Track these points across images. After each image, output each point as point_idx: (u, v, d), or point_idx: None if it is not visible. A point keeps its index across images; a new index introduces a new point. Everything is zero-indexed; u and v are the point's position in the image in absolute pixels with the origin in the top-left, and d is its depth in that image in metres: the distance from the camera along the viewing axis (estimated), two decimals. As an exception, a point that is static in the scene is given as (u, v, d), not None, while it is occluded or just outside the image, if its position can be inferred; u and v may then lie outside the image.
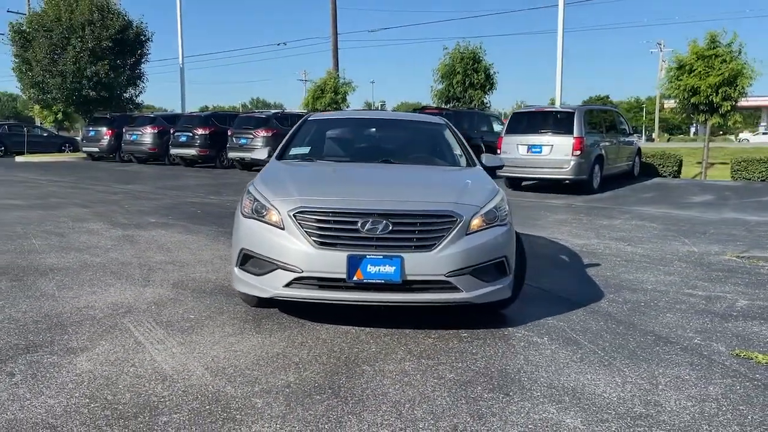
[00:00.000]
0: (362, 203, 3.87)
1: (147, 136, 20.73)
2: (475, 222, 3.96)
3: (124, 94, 25.67)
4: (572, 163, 12.47)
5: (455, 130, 5.85)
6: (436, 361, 3.62)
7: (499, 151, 13.84)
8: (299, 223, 3.80)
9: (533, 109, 14.01)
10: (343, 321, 4.22)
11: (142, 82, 26.27)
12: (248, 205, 4.12)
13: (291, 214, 3.83)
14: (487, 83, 20.58)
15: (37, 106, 27.23)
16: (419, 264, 3.75)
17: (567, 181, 12.94)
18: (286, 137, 5.55)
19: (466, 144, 5.52)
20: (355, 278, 3.72)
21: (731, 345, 3.98)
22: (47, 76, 23.66)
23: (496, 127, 17.51)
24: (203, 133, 19.51)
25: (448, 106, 19.82)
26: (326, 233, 3.77)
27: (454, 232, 3.83)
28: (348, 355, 3.67)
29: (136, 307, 4.51)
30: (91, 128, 22.16)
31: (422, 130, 5.93)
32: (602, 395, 3.18)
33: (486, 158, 5.34)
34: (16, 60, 24.46)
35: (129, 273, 5.46)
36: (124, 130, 21.07)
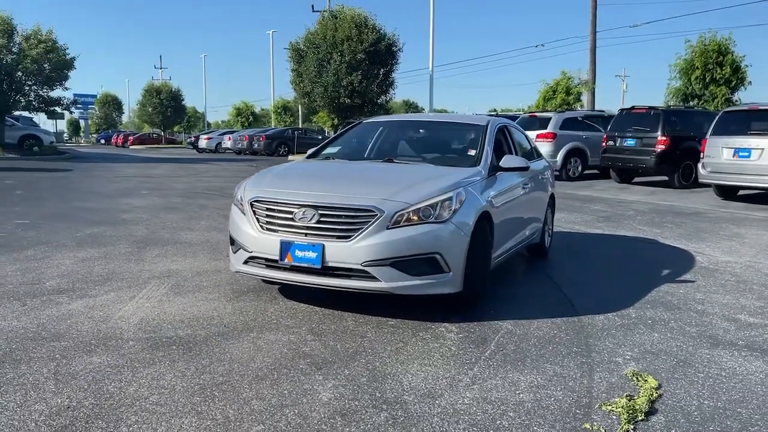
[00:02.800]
0: (301, 196, 4.42)
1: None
2: (403, 217, 4.21)
3: (377, 101, 28.35)
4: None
5: (501, 132, 5.92)
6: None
7: (702, 155, 12.48)
8: (253, 211, 4.52)
9: (746, 108, 12.27)
10: (314, 301, 4.79)
11: (393, 89, 28.72)
12: (236, 195, 4.97)
13: (249, 202, 4.57)
14: (735, 78, 18.16)
15: (322, 113, 31.44)
16: (338, 252, 4.18)
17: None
18: (331, 137, 6.24)
19: (493, 145, 5.49)
20: (286, 261, 4.31)
21: None
22: (314, 86, 27.41)
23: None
24: None
25: (681, 105, 17.99)
26: (269, 220, 4.43)
27: (373, 225, 4.15)
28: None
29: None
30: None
31: (453, 131, 6.10)
32: None
33: (506, 160, 5.35)
34: (292, 73, 28.79)
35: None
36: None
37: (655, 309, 4.88)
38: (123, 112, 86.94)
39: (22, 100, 25.80)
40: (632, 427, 2.78)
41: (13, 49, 25.03)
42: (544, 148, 16.43)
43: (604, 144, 15.69)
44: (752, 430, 2.83)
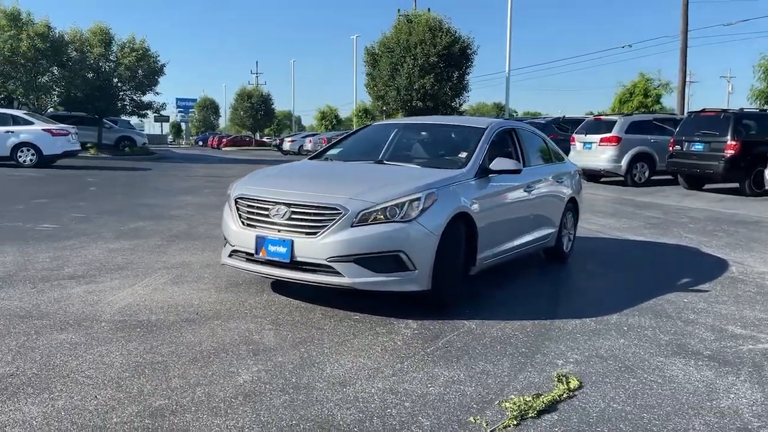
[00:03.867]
0: (278, 194, 4.68)
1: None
2: (368, 216, 4.38)
3: (451, 104, 28.35)
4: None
5: (506, 135, 6.00)
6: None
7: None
8: (237, 207, 4.84)
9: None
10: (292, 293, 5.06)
11: (466, 92, 28.64)
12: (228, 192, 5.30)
13: (234, 199, 4.89)
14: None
15: (400, 115, 31.91)
16: (305, 248, 4.41)
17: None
18: (340, 138, 6.48)
19: (488, 148, 5.53)
20: (260, 255, 4.59)
21: None
22: (387, 90, 27.80)
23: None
24: None
25: (763, 108, 16.93)
26: (249, 216, 4.73)
27: (338, 223, 4.35)
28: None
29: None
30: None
31: (453, 134, 6.16)
32: None
33: (496, 162, 5.40)
34: (367, 77, 29.32)
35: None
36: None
37: (643, 316, 4.80)
38: (220, 116, 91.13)
39: (118, 105, 27.74)
40: (515, 423, 2.83)
41: (111, 58, 27.02)
42: (608, 152, 15.99)
43: (670, 149, 15.07)
44: (635, 429, 2.81)
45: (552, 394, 3.16)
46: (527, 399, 3.06)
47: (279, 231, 4.52)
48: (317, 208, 4.45)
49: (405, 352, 3.79)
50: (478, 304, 4.98)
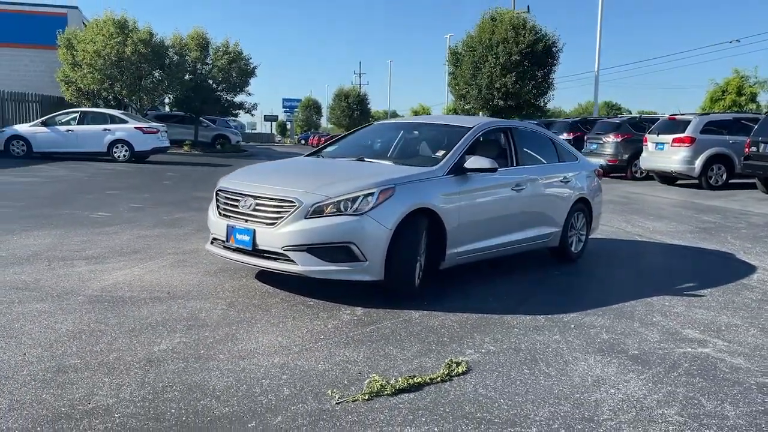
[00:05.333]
0: (248, 187, 5.09)
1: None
2: (322, 209, 4.71)
3: (535, 103, 27.90)
4: None
5: (497, 135, 6.17)
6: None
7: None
8: (216, 198, 5.32)
9: None
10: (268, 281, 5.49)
11: (551, 90, 28.04)
12: None
13: (215, 191, 5.37)
14: None
15: (483, 114, 31.87)
16: (265, 237, 4.81)
17: None
18: (341, 135, 6.82)
19: (466, 148, 5.69)
20: (230, 242, 5.04)
21: None
22: (468, 89, 27.79)
23: None
24: (614, 140, 18.02)
25: None
26: (225, 207, 5.18)
27: (293, 214, 4.71)
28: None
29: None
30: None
31: (440, 133, 6.32)
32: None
33: (471, 161, 5.55)
34: (449, 76, 29.40)
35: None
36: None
37: (603, 316, 4.82)
38: (322, 115, 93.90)
39: (212, 105, 29.51)
40: (366, 398, 3.06)
41: (207, 61, 28.84)
42: (680, 153, 15.30)
43: (746, 150, 14.19)
44: (479, 411, 2.95)
45: (426, 376, 3.35)
46: (396, 379, 3.27)
47: (246, 221, 4.93)
48: (276, 200, 4.83)
49: (327, 334, 4.07)
50: (444, 296, 5.16)
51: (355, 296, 4.93)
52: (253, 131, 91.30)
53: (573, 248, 7.03)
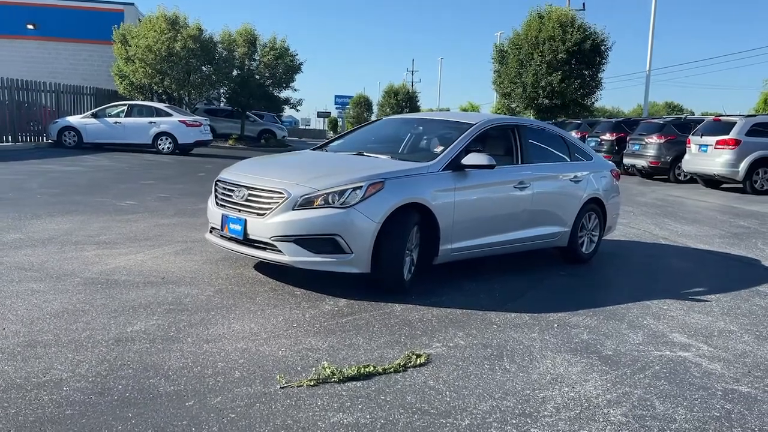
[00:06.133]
0: (244, 178, 5.22)
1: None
2: (309, 201, 4.79)
3: (582, 102, 27.36)
4: None
5: (502, 131, 6.18)
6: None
7: None
8: (215, 189, 5.48)
9: None
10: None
11: (599, 90, 27.44)
12: None
13: (215, 182, 5.53)
14: None
15: (529, 113, 31.49)
16: (255, 227, 4.93)
17: None
18: (350, 130, 6.90)
19: (466, 144, 5.68)
20: (224, 231, 5.19)
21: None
22: (513, 87, 27.46)
23: None
24: (657, 142, 17.37)
25: None
26: (222, 197, 5.33)
27: (281, 205, 4.81)
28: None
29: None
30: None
31: (443, 129, 6.30)
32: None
33: (469, 157, 5.54)
34: (494, 74, 29.12)
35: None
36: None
37: (592, 317, 4.77)
38: (372, 112, 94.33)
39: (258, 100, 30.02)
40: (312, 383, 3.12)
41: (255, 56, 29.39)
42: (724, 156, 14.78)
43: (792, 153, 13.59)
44: (419, 402, 2.97)
45: (380, 366, 3.38)
46: (347, 368, 3.32)
47: (240, 211, 5.06)
48: (267, 191, 4.93)
49: (301, 323, 4.15)
50: (435, 291, 5.17)
51: (345, 288, 5.00)
52: (306, 127, 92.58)
53: (584, 249, 6.91)
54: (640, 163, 17.99)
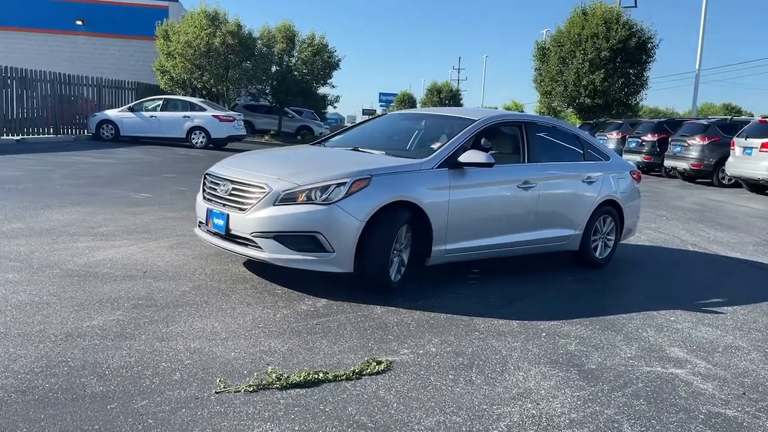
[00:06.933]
0: (230, 171, 5.08)
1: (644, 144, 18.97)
2: (291, 196, 4.62)
3: (625, 101, 26.49)
4: None
5: (509, 128, 5.96)
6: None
7: None
8: (204, 182, 5.36)
9: None
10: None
11: (644, 89, 26.52)
12: None
13: (204, 175, 5.41)
14: None
15: (571, 116, 30.77)
16: (236, 222, 4.79)
17: None
18: (353, 125, 6.72)
19: (462, 141, 5.43)
20: (209, 226, 5.07)
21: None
22: (554, 85, 26.79)
23: None
24: (700, 143, 16.61)
25: None
26: (208, 191, 5.21)
27: (262, 200, 4.65)
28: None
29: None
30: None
31: (444, 125, 6.04)
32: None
33: (466, 155, 5.29)
34: (535, 72, 28.46)
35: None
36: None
37: (588, 327, 4.48)
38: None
39: (296, 97, 30.12)
40: (250, 389, 2.94)
41: (293, 53, 29.49)
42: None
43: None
44: (359, 414, 2.76)
45: (332, 373, 3.18)
46: (297, 373, 3.12)
47: (223, 205, 4.92)
48: (249, 185, 4.78)
49: (268, 323, 3.98)
50: (426, 293, 4.95)
51: (330, 288, 4.82)
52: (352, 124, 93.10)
53: (597, 253, 6.57)
54: (682, 165, 17.25)
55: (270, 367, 3.17)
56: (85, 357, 3.21)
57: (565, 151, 6.45)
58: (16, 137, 17.97)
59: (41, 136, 19.39)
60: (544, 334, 4.21)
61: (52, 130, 20.14)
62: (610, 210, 6.61)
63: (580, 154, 6.55)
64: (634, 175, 7.09)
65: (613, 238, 6.71)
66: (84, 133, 21.18)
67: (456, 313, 4.52)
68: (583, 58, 25.33)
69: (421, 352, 3.67)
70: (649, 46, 26.00)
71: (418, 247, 5.14)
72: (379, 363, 3.36)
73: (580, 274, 6.15)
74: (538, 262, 6.40)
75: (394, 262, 4.88)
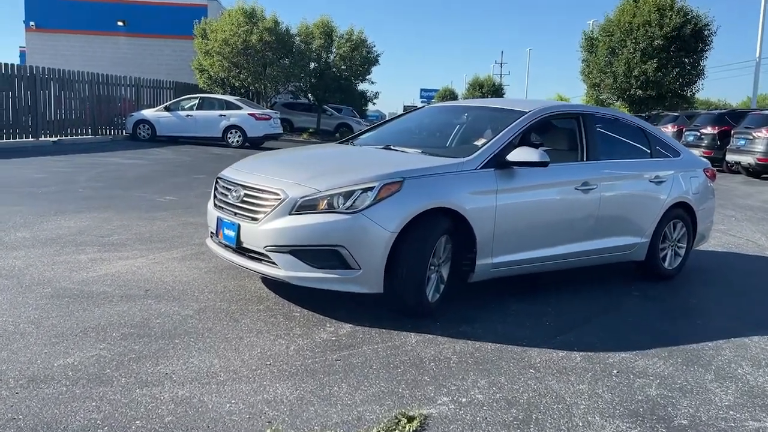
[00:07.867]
0: (242, 175, 4.43)
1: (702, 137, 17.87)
2: (309, 204, 3.93)
3: (680, 92, 25.08)
4: None
5: (563, 121, 5.22)
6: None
7: None
8: (215, 187, 4.73)
9: None
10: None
11: (701, 79, 25.04)
12: None
13: (216, 179, 4.78)
14: None
15: (621, 106, 29.44)
16: (248, 233, 4.13)
17: None
18: (384, 120, 6.01)
19: (510, 137, 4.68)
20: (219, 237, 4.43)
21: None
22: (603, 77, 25.55)
23: None
24: (766, 136, 15.48)
25: None
26: (219, 197, 4.58)
27: (277, 209, 3.97)
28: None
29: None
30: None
31: (491, 119, 5.25)
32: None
33: (516, 153, 4.52)
34: (583, 64, 27.23)
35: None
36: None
37: (668, 361, 3.74)
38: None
39: (334, 94, 29.56)
40: None
41: (331, 49, 28.91)
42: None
43: None
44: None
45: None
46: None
47: (235, 214, 4.28)
48: (262, 191, 4.13)
49: (279, 359, 3.31)
50: (470, 315, 4.25)
51: (357, 310, 4.15)
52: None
53: (666, 264, 5.72)
54: (747, 160, 16.00)
55: (269, 430, 2.48)
56: (42, 413, 2.57)
57: (629, 146, 5.62)
58: (53, 138, 17.85)
59: (79, 137, 19.26)
60: (614, 372, 3.43)
61: (90, 131, 20.01)
62: (681, 213, 5.75)
63: (646, 151, 5.70)
64: (708, 173, 6.20)
65: (684, 245, 5.85)
66: (122, 133, 21.03)
67: (505, 342, 3.78)
68: (634, 47, 24.03)
69: (464, 400, 2.94)
70: (705, 33, 24.51)
71: (460, 262, 4.41)
72: (410, 420, 2.65)
73: (646, 289, 5.32)
74: (594, 272, 5.58)
75: (431, 280, 4.16)
